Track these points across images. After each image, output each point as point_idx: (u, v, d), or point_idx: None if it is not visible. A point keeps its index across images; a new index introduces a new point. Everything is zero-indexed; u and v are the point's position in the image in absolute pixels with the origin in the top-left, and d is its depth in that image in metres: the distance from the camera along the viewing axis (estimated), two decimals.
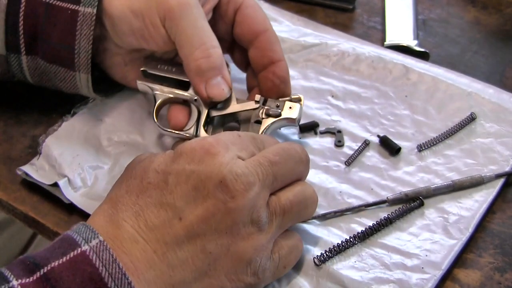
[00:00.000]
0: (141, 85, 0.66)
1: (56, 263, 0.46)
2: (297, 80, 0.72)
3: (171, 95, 0.65)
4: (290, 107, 0.63)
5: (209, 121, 0.64)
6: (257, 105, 0.63)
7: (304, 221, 0.60)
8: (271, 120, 0.63)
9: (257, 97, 0.63)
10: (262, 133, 0.62)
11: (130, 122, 0.68)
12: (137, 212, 0.50)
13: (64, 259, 0.47)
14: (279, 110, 0.63)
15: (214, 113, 0.64)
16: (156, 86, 0.65)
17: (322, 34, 0.76)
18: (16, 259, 0.48)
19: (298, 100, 0.64)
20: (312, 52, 0.74)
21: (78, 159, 0.64)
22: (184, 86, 0.64)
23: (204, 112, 0.63)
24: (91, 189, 0.63)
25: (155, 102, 0.65)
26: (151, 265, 0.49)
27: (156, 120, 0.64)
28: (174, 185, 0.51)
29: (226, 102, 0.64)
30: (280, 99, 0.64)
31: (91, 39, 0.62)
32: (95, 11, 0.61)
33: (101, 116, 0.68)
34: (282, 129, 0.68)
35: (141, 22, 0.61)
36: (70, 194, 0.62)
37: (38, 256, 0.47)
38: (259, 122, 0.63)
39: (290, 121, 0.63)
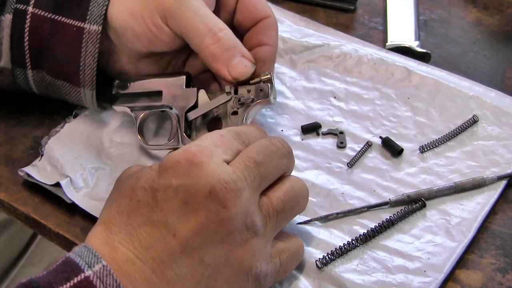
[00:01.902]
0: (118, 108, 0.66)
1: None
2: (299, 81, 0.72)
3: (148, 110, 0.65)
4: (261, 89, 0.62)
5: (189, 125, 0.64)
6: (230, 96, 0.62)
7: (306, 223, 0.60)
8: (246, 107, 0.62)
9: (227, 87, 0.62)
10: (242, 123, 0.61)
11: (132, 123, 0.68)
12: (131, 233, 0.49)
13: (68, 284, 0.46)
14: (251, 96, 0.62)
15: (192, 117, 0.63)
16: (132, 105, 0.65)
17: (324, 35, 0.76)
18: (19, 283, 0.47)
19: (268, 80, 0.62)
20: (314, 53, 0.74)
21: (80, 160, 0.65)
22: (157, 96, 0.64)
23: (182, 118, 0.63)
24: (92, 190, 0.63)
25: (136, 121, 0.65)
26: (150, 285, 0.48)
27: (140, 138, 0.65)
28: (163, 202, 0.50)
29: (200, 101, 0.63)
30: (250, 83, 0.62)
31: (96, 57, 0.62)
32: (100, 28, 0.61)
33: (103, 117, 0.68)
34: (284, 130, 0.68)
35: (143, 25, 0.61)
36: (72, 194, 0.62)
37: (42, 281, 0.46)
38: (235, 113, 0.62)
39: (265, 103, 0.62)
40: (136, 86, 0.65)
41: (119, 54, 0.65)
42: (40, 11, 0.62)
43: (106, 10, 0.62)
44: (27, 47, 0.63)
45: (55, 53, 0.63)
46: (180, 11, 0.60)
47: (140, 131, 0.65)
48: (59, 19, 0.62)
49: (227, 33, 0.61)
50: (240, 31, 0.66)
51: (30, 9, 0.63)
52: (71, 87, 0.64)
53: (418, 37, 0.77)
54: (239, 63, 0.61)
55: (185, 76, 0.64)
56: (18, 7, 0.63)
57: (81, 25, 0.62)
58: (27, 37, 0.63)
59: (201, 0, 0.62)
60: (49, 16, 0.62)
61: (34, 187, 0.64)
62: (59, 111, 0.69)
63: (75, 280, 0.46)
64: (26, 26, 0.62)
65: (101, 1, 0.62)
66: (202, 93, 0.63)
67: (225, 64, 0.61)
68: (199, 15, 0.61)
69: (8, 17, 0.63)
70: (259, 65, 0.63)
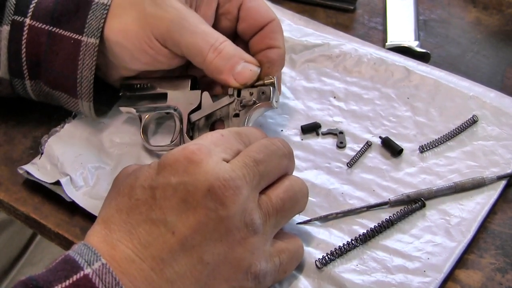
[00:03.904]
0: (124, 109, 0.66)
1: (59, 287, 0.46)
2: (299, 81, 0.72)
3: (153, 111, 0.66)
4: (263, 92, 0.62)
5: (192, 127, 0.64)
6: (232, 99, 0.63)
7: (305, 223, 0.60)
8: (247, 110, 0.62)
9: (230, 90, 0.63)
10: (243, 125, 0.62)
11: (131, 124, 0.68)
12: (130, 231, 0.49)
13: (67, 282, 0.46)
14: (253, 98, 0.62)
15: (194, 118, 0.64)
16: (138, 107, 0.66)
17: (323, 34, 0.76)
18: (18, 281, 0.47)
19: (271, 83, 0.63)
20: (314, 52, 0.74)
21: (80, 159, 0.65)
22: (163, 98, 0.65)
23: (185, 120, 0.64)
24: (92, 189, 0.63)
25: (141, 121, 0.66)
26: (149, 282, 0.48)
27: (143, 138, 0.65)
28: (162, 200, 0.50)
29: (203, 103, 0.64)
30: (253, 86, 0.63)
31: (94, 69, 0.62)
32: (97, 41, 0.61)
33: (102, 118, 0.68)
34: (283, 130, 0.68)
35: (140, 48, 0.61)
36: (72, 193, 0.62)
37: (41, 278, 0.46)
38: (237, 115, 0.63)
39: (267, 106, 0.62)
40: (143, 88, 0.66)
41: (118, 69, 0.65)
42: (38, 23, 0.62)
43: (104, 23, 0.61)
44: (24, 58, 0.63)
45: (52, 65, 0.62)
46: (179, 33, 0.60)
47: (144, 132, 0.66)
48: (56, 31, 0.62)
49: (227, 44, 0.61)
50: (245, 37, 0.66)
51: (28, 21, 0.62)
52: (68, 98, 0.64)
53: (417, 37, 0.77)
54: (243, 69, 0.61)
55: (190, 79, 0.65)
56: (15, 18, 0.62)
57: (79, 38, 0.61)
58: (24, 49, 0.63)
59: (198, 15, 0.62)
60: (46, 28, 0.62)
61: (34, 187, 0.64)
62: (59, 111, 0.69)
63: (74, 278, 0.46)
64: (23, 38, 0.62)
65: (99, 14, 0.61)
66: (206, 95, 0.64)
67: (230, 73, 0.61)
68: (198, 33, 0.61)
69: (5, 29, 0.62)
70: (268, 65, 0.63)
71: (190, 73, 0.67)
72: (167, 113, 0.66)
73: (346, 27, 0.79)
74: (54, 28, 0.62)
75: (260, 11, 0.65)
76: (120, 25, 0.61)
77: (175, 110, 0.65)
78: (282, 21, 0.77)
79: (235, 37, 0.67)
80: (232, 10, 0.65)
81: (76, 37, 0.61)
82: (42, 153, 0.65)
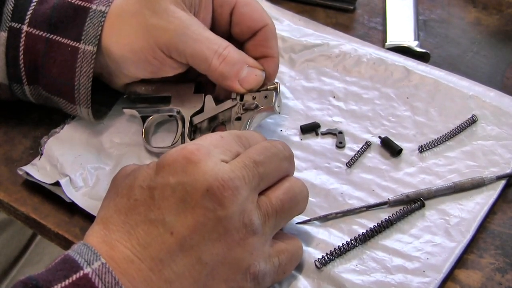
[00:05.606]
0: (127, 111, 0.67)
1: (59, 286, 0.46)
2: (298, 81, 0.72)
3: (156, 113, 0.66)
4: (266, 96, 0.63)
5: (194, 130, 0.65)
6: (235, 102, 0.63)
7: (305, 223, 0.60)
8: (249, 114, 0.63)
9: (233, 94, 0.63)
10: (245, 129, 0.62)
11: (131, 124, 0.68)
12: (128, 231, 0.50)
13: (67, 281, 0.46)
14: (256, 102, 0.63)
15: (197, 120, 0.64)
16: (141, 109, 0.66)
17: (323, 35, 0.76)
18: (18, 280, 0.47)
19: (274, 88, 0.63)
20: (314, 52, 0.74)
21: (80, 159, 0.65)
22: (166, 101, 0.66)
23: (187, 122, 0.64)
24: (92, 189, 0.63)
25: (143, 123, 0.66)
26: (148, 283, 0.48)
27: (144, 140, 0.65)
28: (161, 200, 0.50)
29: (206, 106, 0.65)
30: (256, 90, 0.63)
31: (91, 77, 0.62)
32: (95, 49, 0.61)
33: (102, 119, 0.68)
34: (283, 130, 0.68)
35: (145, 60, 0.62)
36: (72, 193, 0.62)
37: (40, 278, 0.47)
38: (239, 118, 0.63)
39: (269, 110, 0.63)
40: (147, 91, 0.67)
41: (121, 77, 0.66)
42: (35, 30, 0.62)
43: (102, 30, 0.61)
44: (22, 65, 0.63)
45: (50, 71, 0.62)
46: (183, 43, 0.60)
47: (146, 133, 0.66)
48: (54, 38, 0.62)
49: (230, 49, 0.62)
50: (239, 40, 0.66)
51: (25, 28, 0.62)
52: (66, 103, 0.64)
53: (417, 37, 0.77)
54: (249, 75, 0.62)
55: (195, 83, 0.66)
56: (13, 25, 0.62)
57: (76, 45, 0.61)
58: (22, 56, 0.63)
59: (199, 22, 0.62)
60: (44, 35, 0.62)
61: (33, 187, 0.64)
62: (59, 111, 0.69)
63: (74, 277, 0.47)
64: (21, 45, 0.62)
65: (97, 21, 0.61)
66: (209, 99, 0.65)
67: (236, 78, 0.62)
68: (202, 41, 0.61)
69: (3, 35, 0.62)
70: (265, 80, 0.64)
71: (192, 77, 0.68)
72: (170, 115, 0.66)
73: (346, 27, 0.79)
74: (52, 35, 0.62)
75: (253, 16, 0.65)
76: (122, 38, 0.62)
77: (177, 113, 0.65)
78: (282, 21, 0.77)
79: (229, 39, 0.67)
80: (224, 15, 0.65)
81: (73, 44, 0.61)
82: (41, 154, 0.65)
